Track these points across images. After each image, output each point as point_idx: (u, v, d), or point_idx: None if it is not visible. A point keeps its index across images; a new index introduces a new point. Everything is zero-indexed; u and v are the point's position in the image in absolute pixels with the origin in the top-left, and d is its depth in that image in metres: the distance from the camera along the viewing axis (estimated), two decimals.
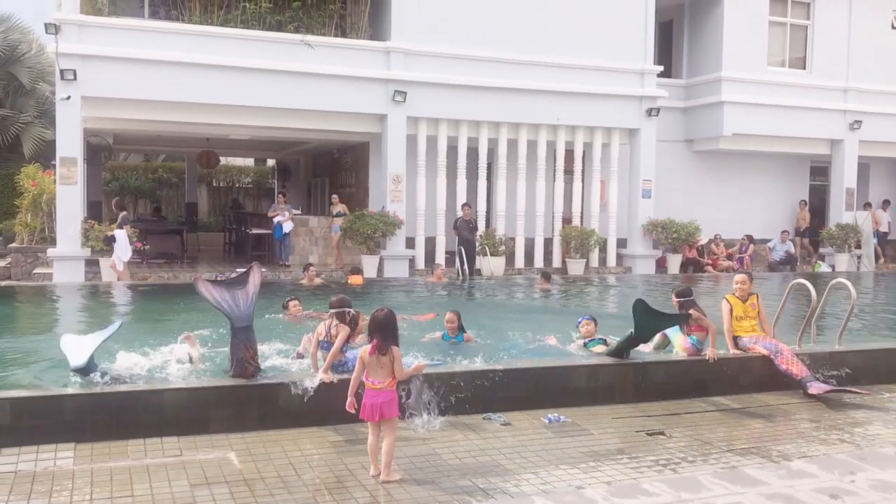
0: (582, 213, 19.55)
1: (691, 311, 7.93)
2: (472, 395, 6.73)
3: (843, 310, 9.44)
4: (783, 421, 6.94)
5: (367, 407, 5.19)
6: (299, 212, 19.55)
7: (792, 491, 4.99)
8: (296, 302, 10.82)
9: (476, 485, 5.17)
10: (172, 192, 31.64)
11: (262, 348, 8.82)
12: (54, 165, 15.83)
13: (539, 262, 18.88)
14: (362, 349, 5.31)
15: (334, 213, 17.79)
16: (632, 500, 4.76)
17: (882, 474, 5.33)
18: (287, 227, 17.56)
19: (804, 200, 22.66)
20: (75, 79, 14.85)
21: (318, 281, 14.91)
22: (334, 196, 18.50)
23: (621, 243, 19.85)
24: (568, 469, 5.50)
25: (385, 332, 5.21)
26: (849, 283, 8.45)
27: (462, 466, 5.53)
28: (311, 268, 15.12)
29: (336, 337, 6.57)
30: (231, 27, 16.31)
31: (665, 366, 7.77)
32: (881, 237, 22.94)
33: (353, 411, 5.37)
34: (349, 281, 15.35)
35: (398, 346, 5.31)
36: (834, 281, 8.86)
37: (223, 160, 29.56)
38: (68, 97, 14.95)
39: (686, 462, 5.73)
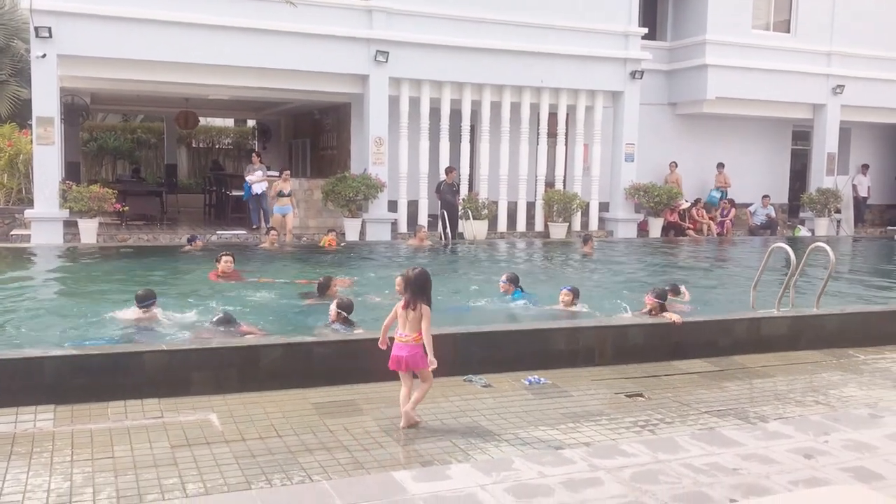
0: (565, 176, 19.53)
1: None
2: (453, 357, 6.75)
3: (822, 273, 9.54)
4: (760, 383, 7.04)
5: (393, 358, 5.52)
6: (275, 172, 19.28)
7: (767, 451, 5.07)
8: (228, 258, 10.63)
9: (457, 445, 5.21)
10: (151, 153, 31.21)
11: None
12: (31, 125, 15.57)
13: (522, 226, 18.88)
14: (399, 303, 5.53)
15: (286, 192, 16.10)
16: (610, 460, 4.82)
17: (855, 434, 5.43)
18: (259, 188, 17.28)
19: (675, 162, 21.10)
20: (50, 36, 14.55)
21: (277, 245, 14.91)
22: (286, 172, 16.76)
23: (603, 207, 19.88)
24: (547, 430, 5.55)
25: (415, 290, 5.45)
26: (828, 247, 8.52)
27: (443, 427, 5.57)
28: (273, 231, 15.05)
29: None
30: None
31: (644, 328, 7.83)
32: (860, 202, 23.12)
33: (384, 348, 5.65)
34: (321, 242, 15.32)
35: (429, 305, 5.47)
36: (813, 245, 8.95)
37: (202, 121, 29.16)
38: (44, 55, 14.64)
39: (664, 423, 5.80)
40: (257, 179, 17.24)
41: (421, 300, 5.43)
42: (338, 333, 7.46)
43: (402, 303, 5.49)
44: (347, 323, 7.68)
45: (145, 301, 8.12)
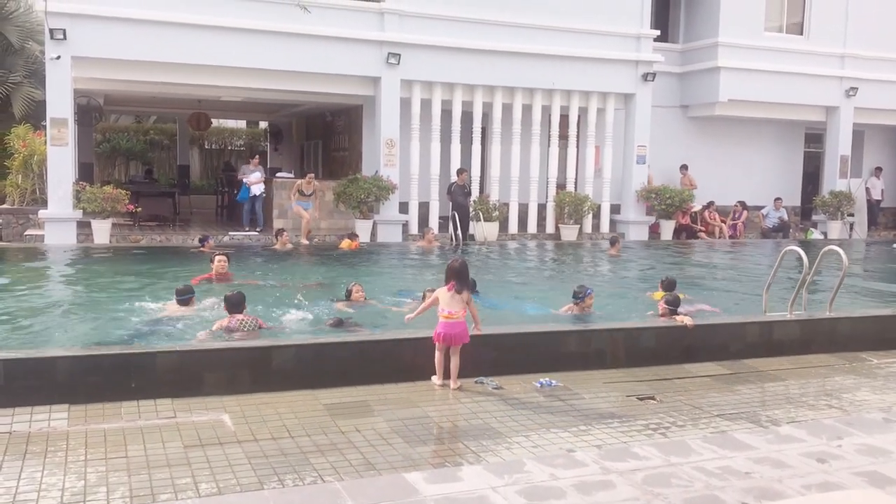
0: (576, 178, 19.50)
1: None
2: (465, 359, 6.75)
3: (834, 276, 9.49)
4: (772, 387, 7.01)
5: (446, 335, 6.38)
6: (289, 174, 19.37)
7: (780, 455, 5.05)
8: (222, 258, 10.57)
9: (468, 447, 5.22)
10: (164, 155, 31.34)
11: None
12: (45, 126, 15.67)
13: (533, 228, 18.87)
14: (441, 289, 6.57)
15: (308, 192, 16.20)
16: (622, 463, 4.81)
17: (869, 439, 5.40)
18: (257, 189, 17.31)
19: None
20: (65, 38, 14.64)
21: (289, 246, 14.95)
22: (311, 175, 16.91)
23: (615, 209, 19.84)
24: (559, 433, 5.55)
25: (460, 277, 6.50)
26: (840, 251, 8.48)
27: (454, 429, 5.58)
28: (285, 233, 15.10)
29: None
30: None
31: (656, 331, 7.81)
32: (874, 205, 22.97)
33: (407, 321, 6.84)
34: (341, 245, 15.36)
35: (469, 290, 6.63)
36: (826, 248, 8.90)
37: (215, 122, 29.30)
38: (58, 57, 14.73)
39: (676, 427, 5.79)
40: (256, 181, 17.30)
41: (464, 286, 6.50)
42: (350, 335, 7.49)
43: (447, 287, 6.47)
44: None
45: (184, 296, 8.59)
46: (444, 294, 6.50)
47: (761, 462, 4.92)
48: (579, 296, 8.95)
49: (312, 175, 16.86)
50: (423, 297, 9.40)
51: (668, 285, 9.68)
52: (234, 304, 7.70)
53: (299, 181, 16.52)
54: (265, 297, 9.58)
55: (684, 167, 20.99)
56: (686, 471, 4.73)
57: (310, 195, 16.27)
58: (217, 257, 10.62)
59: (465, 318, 6.50)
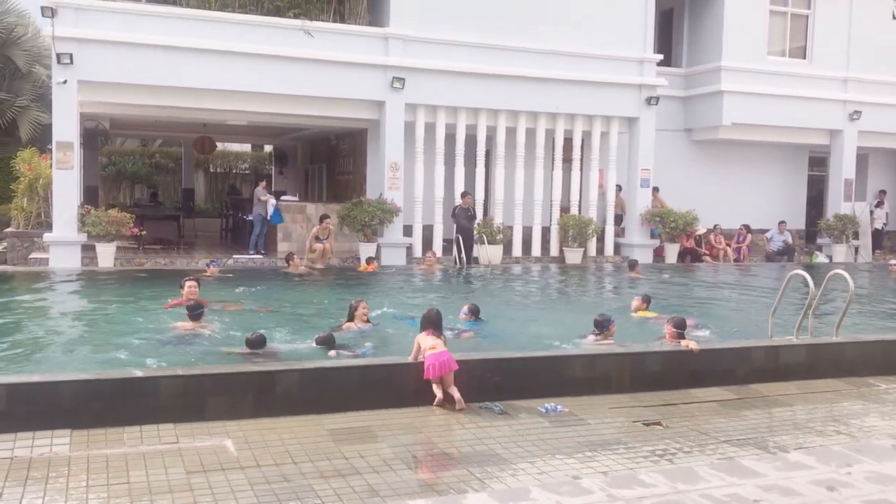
0: (580, 201, 19.51)
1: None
2: (469, 384, 6.72)
3: (841, 301, 9.45)
4: (779, 412, 6.95)
5: (437, 366, 6.54)
6: (293, 198, 19.43)
7: (789, 482, 4.99)
8: (192, 284, 10.31)
9: (473, 473, 5.16)
10: (169, 178, 31.54)
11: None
12: (51, 149, 15.75)
13: (537, 251, 18.85)
14: (420, 334, 6.94)
15: (323, 238, 16.18)
16: (628, 490, 4.76)
17: (878, 466, 5.34)
18: (270, 210, 17.37)
19: (619, 185, 19.87)
20: (72, 63, 14.74)
21: (302, 269, 15.09)
22: (328, 219, 16.30)
23: (619, 232, 19.82)
24: (564, 459, 5.50)
25: (437, 325, 7.04)
26: (846, 275, 8.44)
27: (458, 455, 5.53)
28: (295, 256, 15.25)
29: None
30: (229, 12, 16.19)
31: (662, 356, 7.76)
32: (878, 228, 22.91)
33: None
34: (359, 268, 15.66)
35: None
36: (832, 272, 8.86)
37: (220, 146, 29.47)
38: (65, 81, 14.84)
39: (683, 453, 5.73)
40: (273, 203, 17.32)
41: (441, 331, 7.05)
42: (354, 360, 7.46)
43: (427, 332, 6.91)
44: None
45: (195, 311, 8.96)
46: (423, 337, 6.88)
47: (770, 490, 4.86)
48: (604, 326, 8.48)
49: (329, 220, 16.38)
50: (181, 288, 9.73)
51: (648, 300, 10.43)
52: (256, 345, 7.77)
53: (315, 229, 16.29)
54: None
55: (655, 189, 20.43)
56: (693, 498, 4.68)
57: (325, 238, 16.30)
58: (188, 283, 10.34)
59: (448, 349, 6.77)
